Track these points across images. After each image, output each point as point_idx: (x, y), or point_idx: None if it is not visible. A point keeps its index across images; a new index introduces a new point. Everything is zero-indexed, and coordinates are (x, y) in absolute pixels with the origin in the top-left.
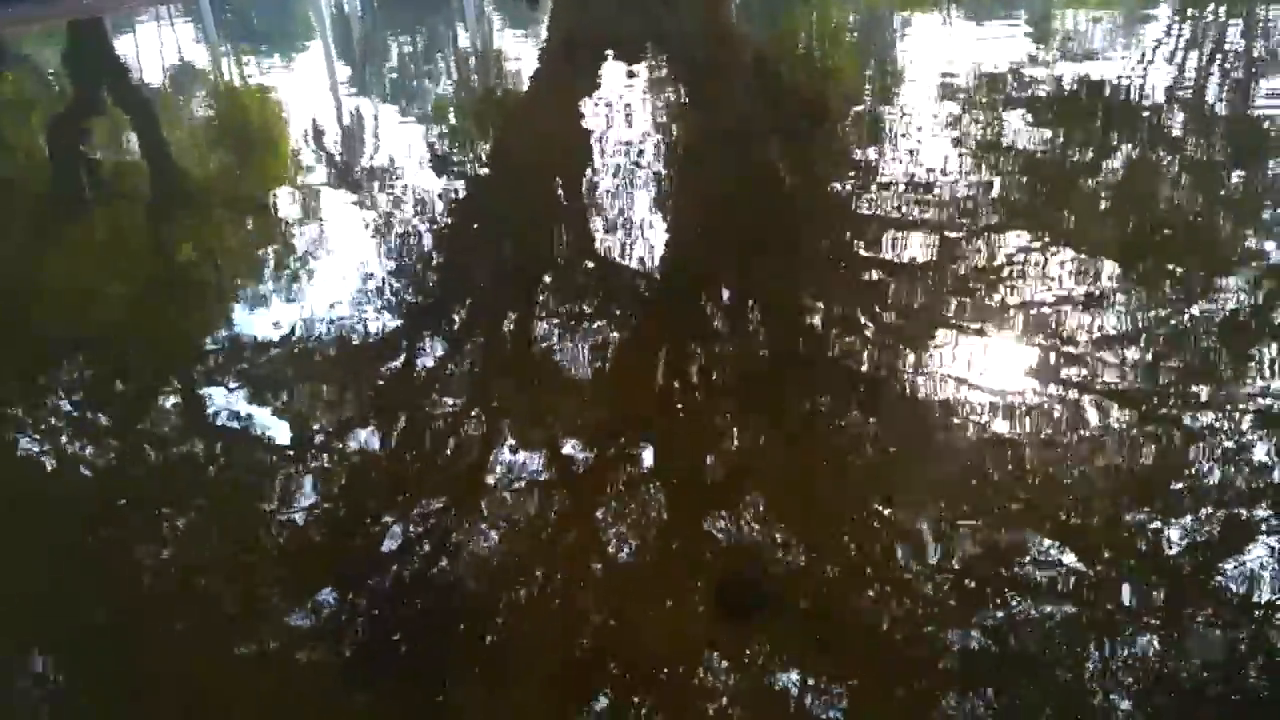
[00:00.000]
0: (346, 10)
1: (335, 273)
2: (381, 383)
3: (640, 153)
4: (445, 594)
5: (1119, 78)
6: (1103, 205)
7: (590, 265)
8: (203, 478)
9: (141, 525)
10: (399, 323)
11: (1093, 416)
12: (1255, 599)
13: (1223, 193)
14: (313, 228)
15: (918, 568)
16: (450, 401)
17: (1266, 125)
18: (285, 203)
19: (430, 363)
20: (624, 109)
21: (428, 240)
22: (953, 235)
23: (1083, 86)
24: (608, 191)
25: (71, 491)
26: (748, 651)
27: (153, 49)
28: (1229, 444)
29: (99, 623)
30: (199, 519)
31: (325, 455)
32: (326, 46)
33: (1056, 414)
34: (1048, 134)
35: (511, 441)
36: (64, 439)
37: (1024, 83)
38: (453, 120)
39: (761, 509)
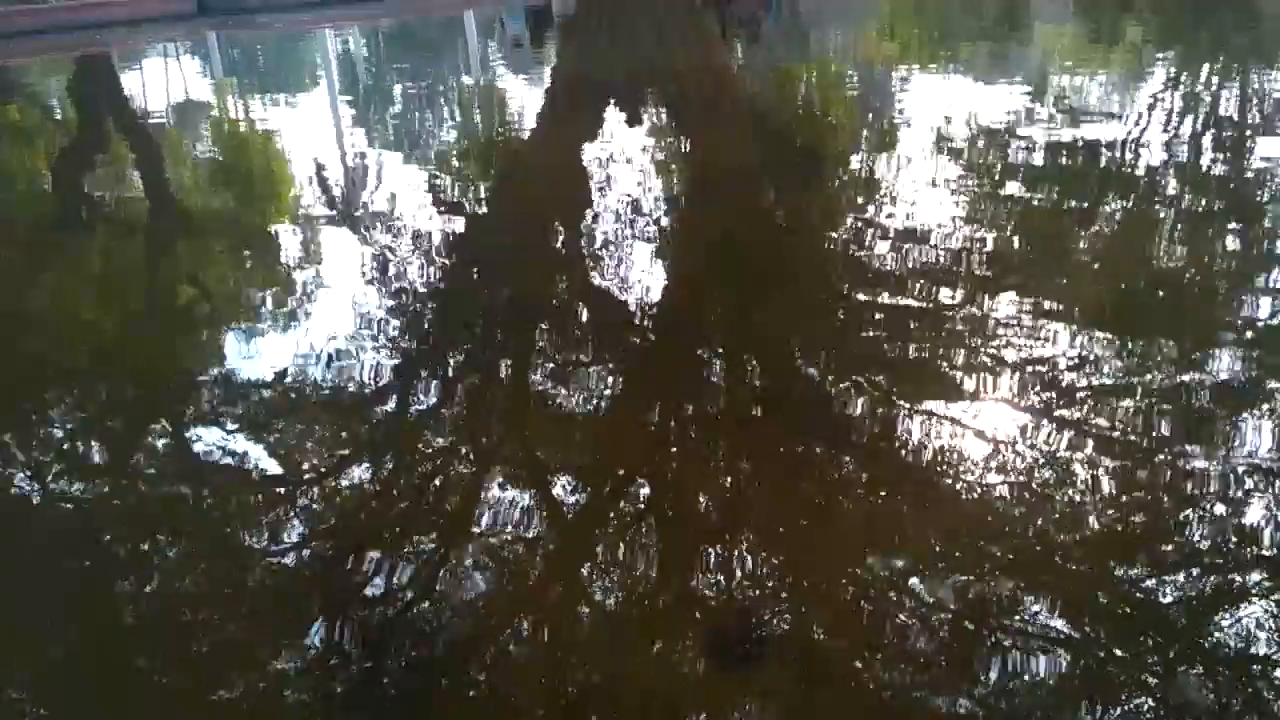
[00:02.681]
0: (351, 51)
1: (330, 310)
2: (372, 422)
3: (637, 197)
4: (431, 639)
5: (1113, 137)
6: (1096, 264)
7: (585, 308)
8: (187, 513)
9: (123, 559)
10: (392, 362)
11: (1086, 473)
12: (1249, 660)
13: (1218, 254)
14: (309, 265)
15: (911, 621)
16: (441, 442)
17: (1259, 188)
18: (283, 240)
19: (422, 403)
20: (622, 153)
21: (424, 280)
22: (946, 287)
23: (1077, 145)
24: (605, 234)
25: (53, 523)
26: (739, 704)
27: (158, 84)
28: (1221, 506)
29: (76, 658)
30: (182, 554)
31: (313, 494)
32: (330, 86)
33: (1052, 469)
34: (1041, 190)
35: (502, 484)
36: (48, 470)
37: (1019, 139)
38: (452, 161)
39: (755, 557)
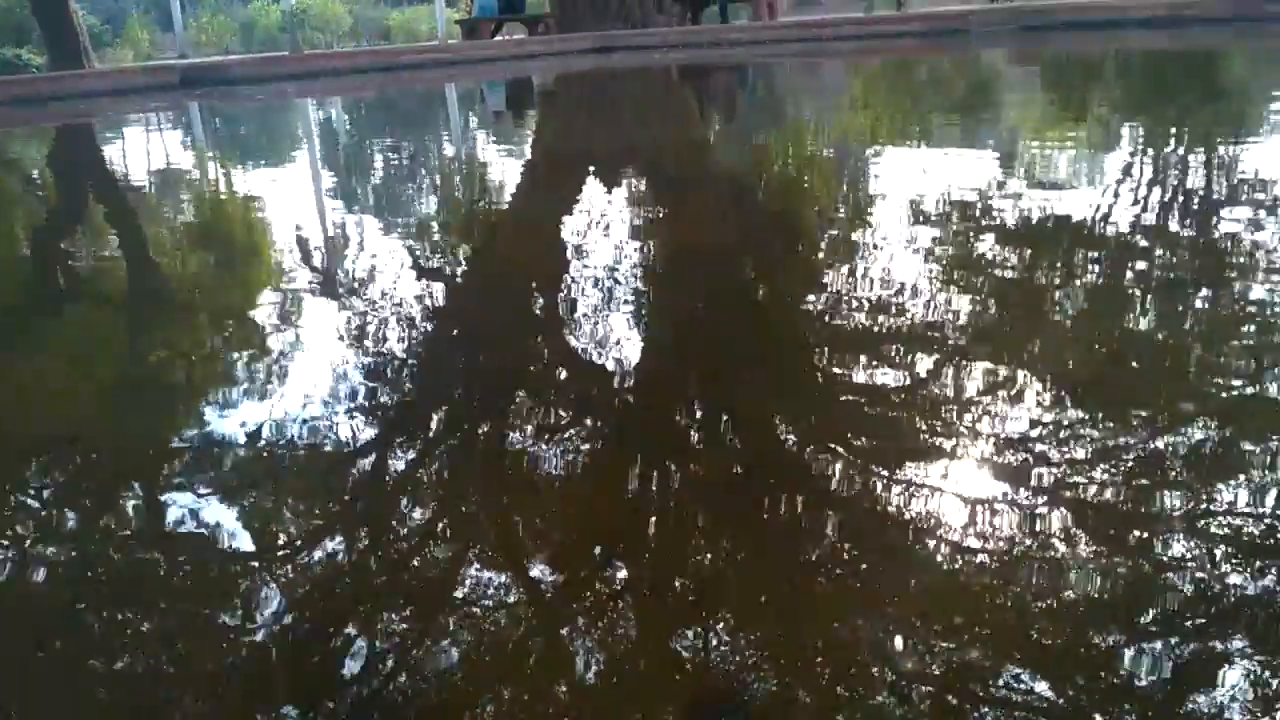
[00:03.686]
0: (333, 121)
1: (307, 380)
2: (348, 492)
3: (615, 267)
4: (405, 713)
5: (1085, 207)
6: (1071, 333)
7: (563, 377)
8: (161, 583)
9: (96, 631)
10: (369, 431)
11: (1068, 541)
12: None
13: (1192, 323)
14: (287, 334)
15: (893, 691)
16: (418, 513)
17: (1231, 256)
18: (260, 308)
19: (399, 472)
20: (601, 223)
21: (402, 349)
22: (924, 357)
23: (1049, 215)
24: (582, 304)
25: (25, 592)
26: None
27: (138, 152)
28: (1202, 572)
29: None
30: (156, 625)
31: (287, 565)
32: (311, 155)
33: (1032, 538)
34: (1017, 261)
35: (479, 554)
36: (20, 540)
37: (995, 210)
38: (433, 231)
39: (735, 629)
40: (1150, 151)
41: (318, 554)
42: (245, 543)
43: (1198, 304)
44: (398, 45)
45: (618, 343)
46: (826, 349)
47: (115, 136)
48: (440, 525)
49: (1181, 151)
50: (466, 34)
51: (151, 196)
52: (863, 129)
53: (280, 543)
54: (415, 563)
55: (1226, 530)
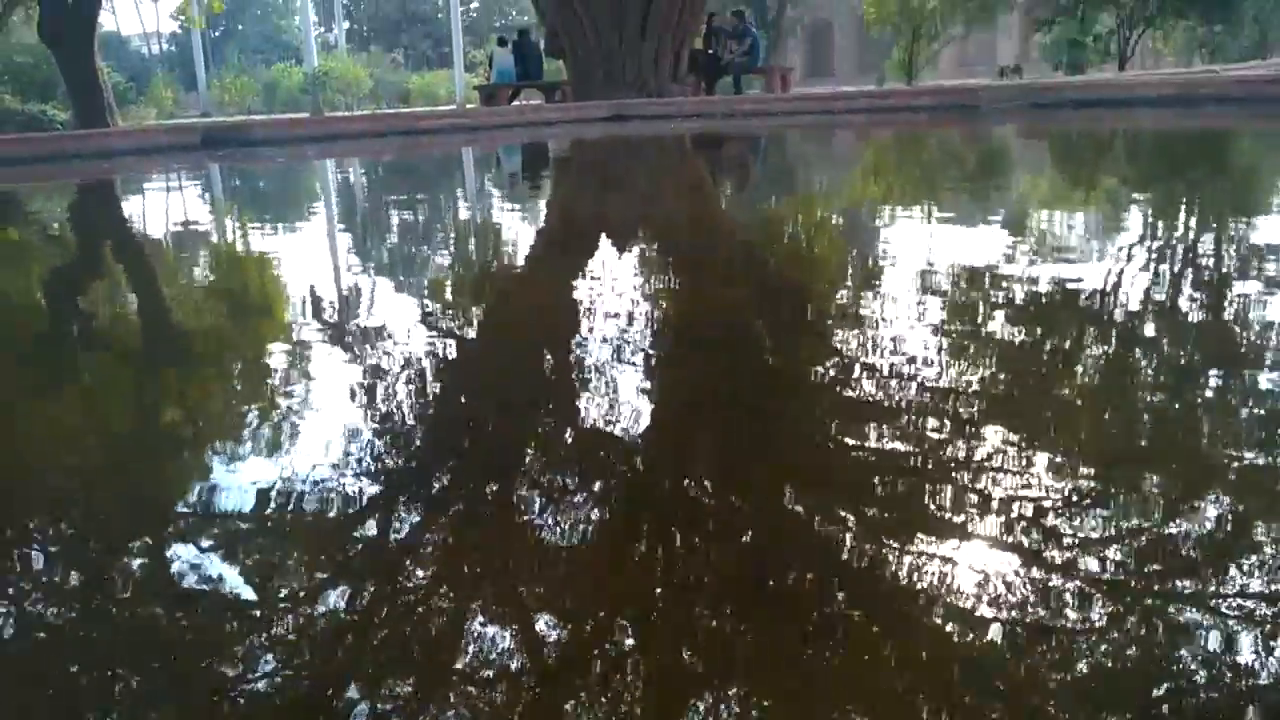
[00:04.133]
0: (351, 182)
1: (317, 438)
2: (352, 552)
3: (627, 334)
4: None
5: (1096, 280)
6: (1081, 406)
7: (569, 444)
8: (160, 641)
9: (92, 688)
10: (375, 490)
11: (1078, 615)
12: None
13: (1201, 400)
14: (299, 391)
15: None
16: (421, 575)
17: (1242, 333)
18: (272, 365)
19: (404, 534)
20: (613, 289)
21: (412, 410)
22: (934, 429)
23: (1059, 288)
24: (592, 370)
25: (22, 647)
26: None
27: (158, 210)
28: (1214, 645)
29: None
30: (153, 684)
31: (288, 625)
32: (329, 215)
33: (1041, 612)
34: (1025, 333)
35: (483, 621)
36: (21, 594)
37: (1006, 282)
38: (446, 292)
39: (743, 701)
40: (1158, 227)
41: (319, 617)
42: (245, 603)
43: (1210, 380)
44: (417, 109)
45: (625, 409)
46: (837, 418)
47: (137, 194)
48: (444, 592)
49: (1191, 228)
50: (485, 100)
51: (170, 254)
52: (875, 200)
53: (281, 603)
54: (417, 630)
55: (1246, 613)
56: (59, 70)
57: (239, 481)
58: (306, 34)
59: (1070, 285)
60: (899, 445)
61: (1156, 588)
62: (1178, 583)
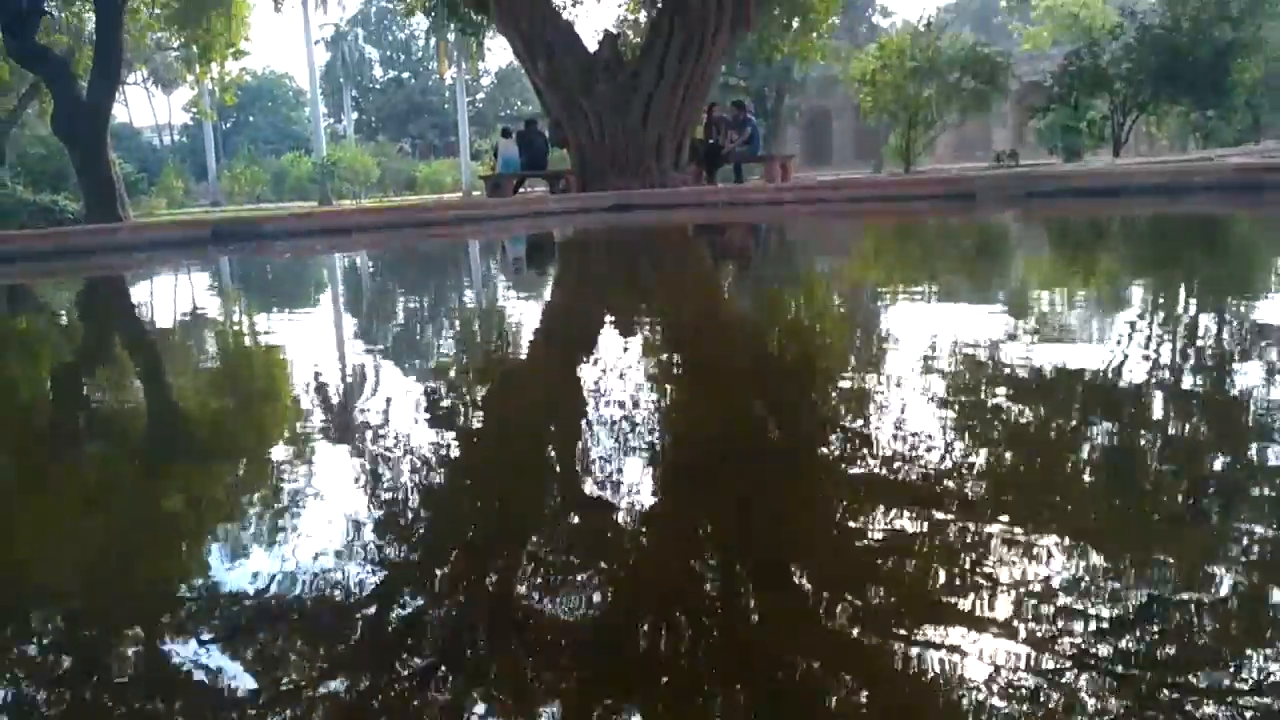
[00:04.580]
0: (359, 271)
1: (319, 524)
2: (354, 637)
3: (631, 416)
4: None
5: (1098, 361)
6: (1088, 487)
7: (572, 531)
8: None
9: None
10: (377, 577)
11: (1090, 699)
12: None
13: (1207, 477)
14: (301, 478)
15: None
16: (421, 661)
17: (1246, 412)
18: (275, 453)
19: (405, 619)
20: (616, 375)
21: (414, 495)
22: (940, 513)
23: (1061, 369)
24: (596, 457)
25: None
26: None
27: (168, 305)
28: None
29: None
30: None
31: (290, 713)
32: (336, 309)
33: (1054, 696)
34: (1031, 414)
35: (485, 708)
36: (19, 688)
37: (1007, 363)
38: (451, 378)
39: None
40: (1160, 312)
41: (325, 693)
42: (244, 700)
43: (1214, 465)
44: (424, 200)
45: (629, 496)
46: (841, 502)
47: (147, 288)
48: (447, 685)
49: (1189, 312)
50: (491, 190)
51: (176, 346)
52: (874, 285)
53: (281, 699)
54: (419, 711)
55: (1260, 699)
56: (71, 162)
57: (239, 574)
58: (316, 125)
59: (1070, 368)
60: (906, 528)
61: (1170, 679)
62: (1191, 675)
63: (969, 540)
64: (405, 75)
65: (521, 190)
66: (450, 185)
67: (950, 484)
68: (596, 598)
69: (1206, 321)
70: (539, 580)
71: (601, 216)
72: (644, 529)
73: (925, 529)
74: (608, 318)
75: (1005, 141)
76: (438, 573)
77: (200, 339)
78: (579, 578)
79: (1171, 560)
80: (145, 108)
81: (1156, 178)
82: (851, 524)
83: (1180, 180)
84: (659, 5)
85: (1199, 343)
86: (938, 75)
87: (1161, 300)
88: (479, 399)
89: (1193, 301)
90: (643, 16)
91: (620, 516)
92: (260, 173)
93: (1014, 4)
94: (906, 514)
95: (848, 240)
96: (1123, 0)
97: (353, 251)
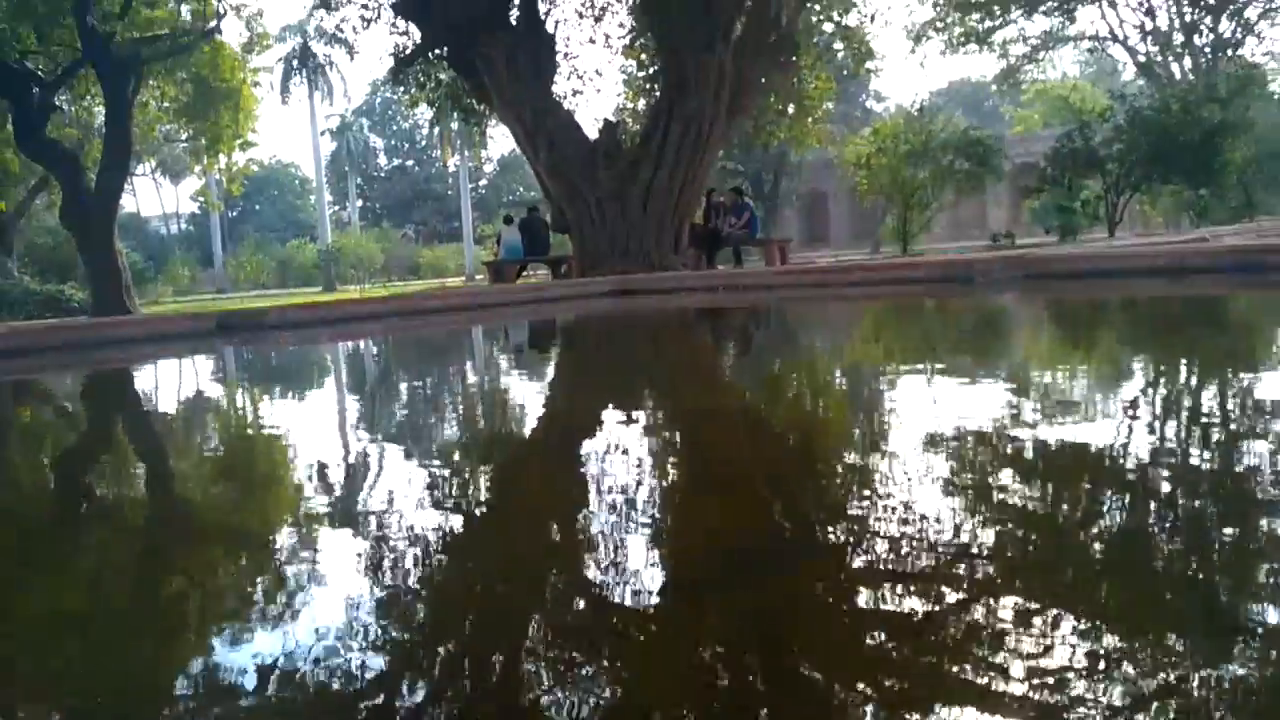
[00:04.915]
0: (362, 358)
1: (320, 612)
2: None
3: (633, 498)
4: None
5: (1104, 438)
6: (1097, 568)
7: (574, 616)
8: None
9: None
10: (380, 664)
11: None
12: None
13: (1217, 558)
14: (302, 566)
15: None
16: None
17: (1257, 489)
18: (276, 540)
19: (410, 708)
20: (618, 452)
21: (416, 581)
22: (947, 593)
23: (1067, 446)
24: (598, 540)
25: None
26: None
27: (172, 397)
28: None
29: None
30: None
31: None
32: (340, 398)
33: None
34: (1036, 492)
35: None
36: None
37: (1011, 440)
38: (455, 460)
39: None
40: (1167, 392)
41: None
42: None
43: (1224, 542)
44: (427, 289)
45: (632, 581)
46: (847, 585)
47: (153, 380)
48: None
49: (1190, 389)
50: (493, 276)
51: (181, 437)
52: (882, 371)
53: None
54: None
55: None
56: (78, 252)
57: (236, 665)
58: (321, 213)
59: (1073, 446)
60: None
61: None
62: None
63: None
64: (409, 163)
65: (526, 273)
66: (453, 270)
67: (993, 600)
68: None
69: (1217, 402)
70: (534, 697)
71: (602, 302)
72: (649, 638)
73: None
74: (609, 409)
75: (1001, 221)
76: (420, 688)
77: (205, 432)
78: (579, 689)
79: (1185, 645)
80: (153, 197)
81: (1155, 260)
82: (878, 637)
83: (1178, 262)
84: (657, 94)
85: (1213, 424)
86: (932, 158)
87: (1170, 381)
88: (475, 495)
89: (1203, 382)
90: (641, 105)
91: (625, 629)
92: (265, 260)
93: (1004, 88)
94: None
95: (851, 325)
96: (1111, 83)
97: (356, 340)
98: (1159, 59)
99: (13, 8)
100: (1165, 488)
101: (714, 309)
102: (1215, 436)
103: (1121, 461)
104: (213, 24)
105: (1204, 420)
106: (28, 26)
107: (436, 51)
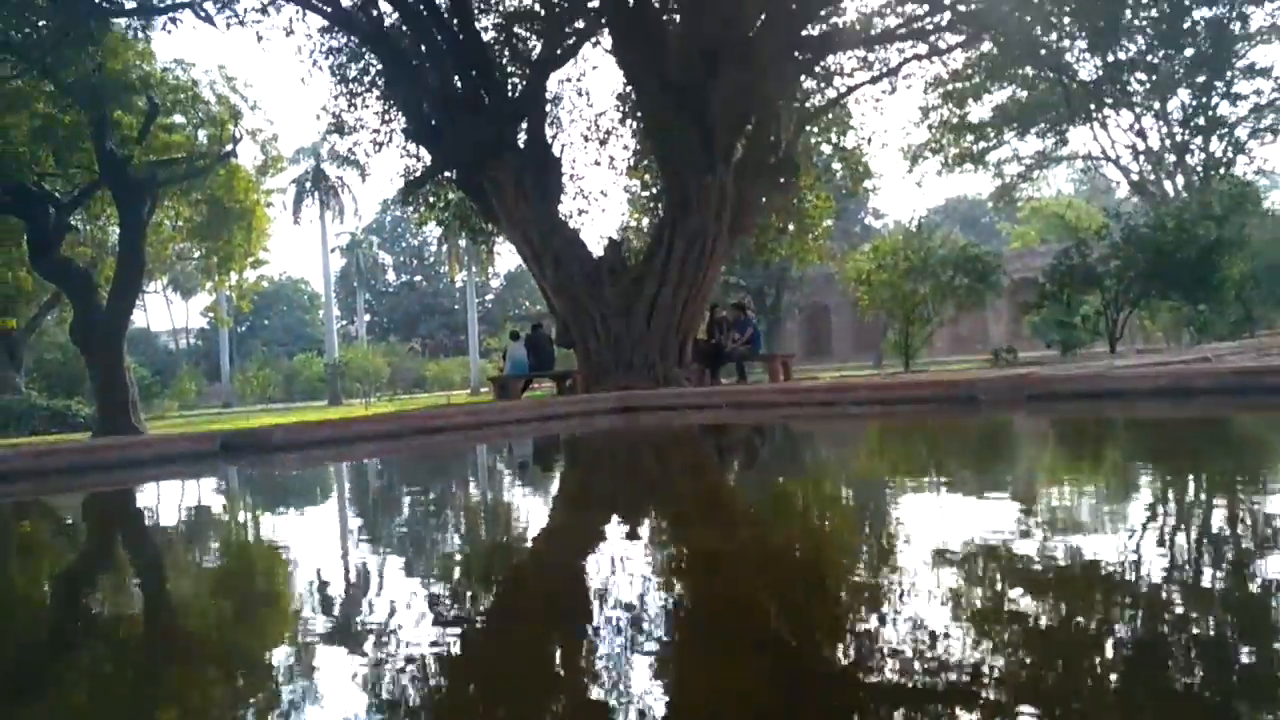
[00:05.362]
0: (367, 477)
1: None
2: None
3: (642, 611)
4: None
5: (1111, 551)
6: (1107, 682)
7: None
8: None
9: None
10: None
11: None
12: None
13: (1227, 670)
14: (301, 684)
15: None
16: None
17: (1271, 602)
18: (276, 658)
19: None
20: (624, 562)
21: (420, 698)
22: (957, 708)
23: (1074, 559)
24: (601, 656)
25: None
26: None
27: (170, 513)
28: None
29: None
30: None
31: None
32: (342, 519)
33: None
34: (1044, 607)
35: None
36: None
37: (1018, 555)
38: (456, 574)
39: None
40: (1170, 514)
41: None
42: None
43: (1239, 660)
44: (432, 409)
45: (636, 697)
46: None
47: (155, 502)
48: None
49: (1192, 507)
50: (498, 391)
51: (181, 561)
52: (890, 495)
53: None
54: None
55: None
56: (87, 369)
57: None
58: (329, 328)
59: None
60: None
61: None
62: None
63: None
64: (417, 279)
65: (532, 387)
66: (459, 382)
67: None
68: None
69: (1228, 524)
70: None
71: (607, 420)
72: None
73: None
74: (613, 534)
75: (1001, 335)
76: None
77: (207, 556)
78: None
79: None
80: (163, 312)
81: (1157, 381)
82: None
83: (1181, 383)
84: (660, 213)
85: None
86: (931, 274)
87: (1178, 503)
88: (480, 611)
89: (1211, 504)
90: (645, 222)
91: None
92: (272, 374)
93: (1000, 205)
94: None
95: (856, 445)
96: (1106, 200)
97: (361, 459)
98: (1152, 177)
99: (34, 131)
100: (1175, 610)
101: (719, 426)
102: (1229, 556)
103: (1131, 580)
104: (229, 148)
105: (1215, 542)
106: (47, 150)
107: (446, 174)
